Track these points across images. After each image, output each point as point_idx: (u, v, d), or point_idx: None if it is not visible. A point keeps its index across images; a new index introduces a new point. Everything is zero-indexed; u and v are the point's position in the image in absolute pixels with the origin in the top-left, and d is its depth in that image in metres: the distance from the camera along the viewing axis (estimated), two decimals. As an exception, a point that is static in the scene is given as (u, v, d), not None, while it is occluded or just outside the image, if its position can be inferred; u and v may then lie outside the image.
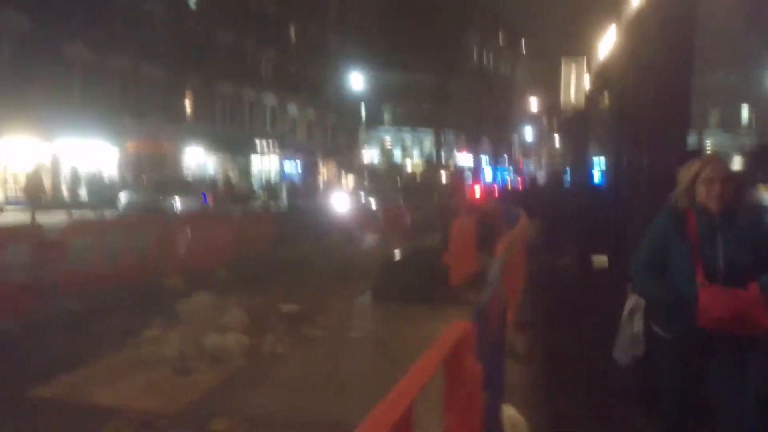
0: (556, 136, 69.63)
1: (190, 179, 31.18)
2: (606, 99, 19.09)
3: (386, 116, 66.63)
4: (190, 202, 25.16)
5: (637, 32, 9.29)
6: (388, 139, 66.93)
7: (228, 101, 38.64)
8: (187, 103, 35.31)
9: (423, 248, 12.86)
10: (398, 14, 65.21)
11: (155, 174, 28.63)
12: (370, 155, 64.74)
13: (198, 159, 36.21)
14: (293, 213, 19.20)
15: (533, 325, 7.08)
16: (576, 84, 18.78)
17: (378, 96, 62.85)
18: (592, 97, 19.14)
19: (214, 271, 10.24)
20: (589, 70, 19.33)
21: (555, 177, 19.56)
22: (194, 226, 11.60)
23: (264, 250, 13.22)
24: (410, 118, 65.74)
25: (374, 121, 65.03)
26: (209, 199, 26.87)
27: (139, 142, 30.55)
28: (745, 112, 54.17)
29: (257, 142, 41.34)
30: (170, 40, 32.83)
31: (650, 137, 6.63)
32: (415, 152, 67.82)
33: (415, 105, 64.69)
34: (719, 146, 49.34)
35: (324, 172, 51.28)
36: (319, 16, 47.49)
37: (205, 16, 35.43)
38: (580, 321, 7.01)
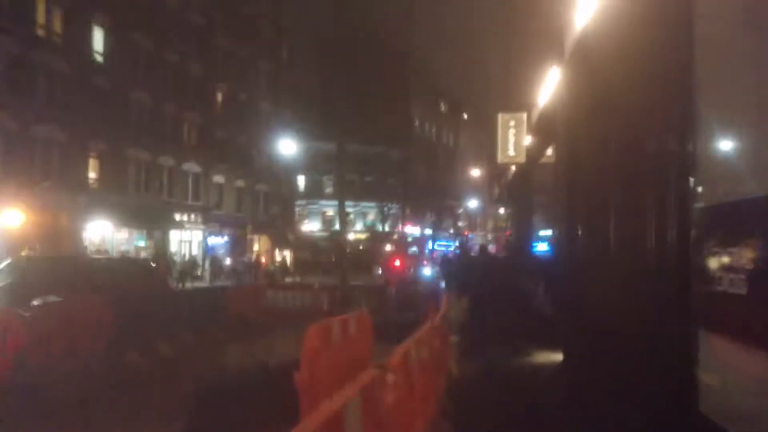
0: (501, 210, 68.15)
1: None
2: (552, 151, 16.12)
3: (327, 188, 63.69)
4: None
5: (582, 62, 7.76)
6: (329, 211, 63.77)
7: (143, 168, 34.73)
8: (91, 170, 31.25)
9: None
10: (335, 83, 63.41)
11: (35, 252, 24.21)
12: (310, 227, 61.33)
13: (103, 233, 31.85)
14: (176, 296, 15.14)
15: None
16: (516, 140, 16.03)
17: (317, 167, 60.05)
18: (534, 152, 16.35)
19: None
20: (529, 127, 16.66)
21: (483, 250, 18.26)
22: None
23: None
24: (352, 190, 62.91)
25: (314, 193, 61.99)
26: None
27: (26, 213, 26.16)
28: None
29: (177, 214, 37.27)
30: (70, 98, 29.07)
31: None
32: (358, 225, 64.78)
33: (357, 177, 62.06)
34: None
35: (256, 246, 47.27)
36: (248, 81, 44.64)
37: (114, 73, 31.93)
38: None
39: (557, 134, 12.66)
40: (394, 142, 62.25)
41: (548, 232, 32.77)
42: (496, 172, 35.56)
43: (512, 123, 15.65)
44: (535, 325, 13.37)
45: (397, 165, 62.57)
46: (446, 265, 17.98)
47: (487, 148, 63.91)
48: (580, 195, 9.41)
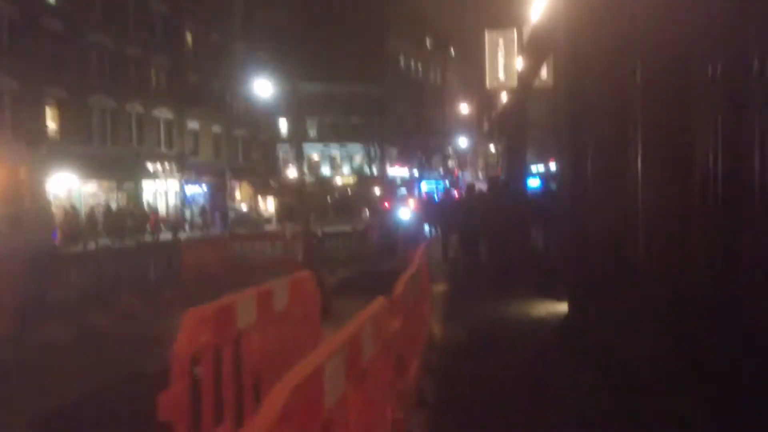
0: (491, 146, 65.98)
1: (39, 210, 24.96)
2: (547, 74, 14.26)
3: (311, 131, 61.44)
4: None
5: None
6: (314, 155, 61.72)
7: (108, 116, 32.48)
8: (50, 119, 29.04)
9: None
10: (314, 20, 60.34)
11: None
12: (293, 173, 59.42)
13: (69, 186, 29.88)
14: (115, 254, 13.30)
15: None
16: (505, 61, 14.04)
17: (300, 109, 57.59)
18: (526, 75, 14.45)
19: None
20: (520, 47, 14.65)
21: (469, 189, 16.69)
22: None
23: None
24: (337, 132, 60.78)
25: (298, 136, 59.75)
26: (58, 235, 20.84)
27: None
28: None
29: (149, 164, 35.22)
30: (18, 43, 26.64)
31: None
32: (345, 168, 62.87)
33: (342, 118, 59.78)
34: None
35: (237, 194, 45.42)
36: (220, 21, 41.82)
37: (69, 14, 29.34)
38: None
39: (557, 52, 10.77)
40: (378, 81, 59.70)
41: (540, 168, 31.11)
42: (485, 103, 33.46)
43: (501, 41, 13.70)
44: (531, 269, 11.81)
45: (383, 104, 60.20)
46: (428, 207, 16.35)
47: (475, 84, 61.31)
48: (588, 124, 7.67)
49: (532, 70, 13.98)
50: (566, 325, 8.17)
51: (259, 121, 47.20)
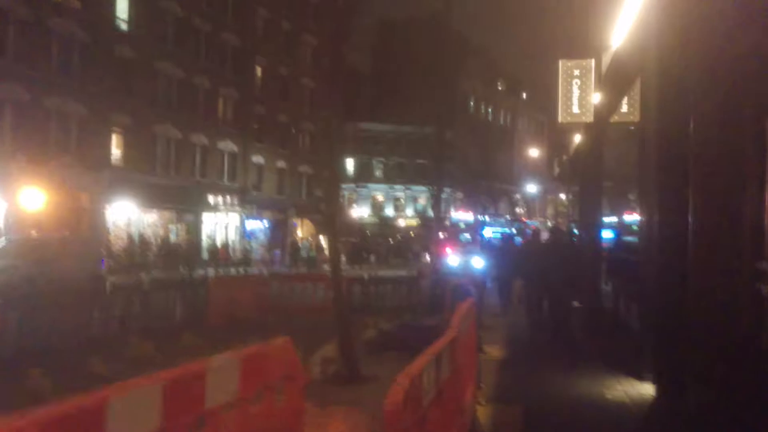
0: (561, 195, 63.55)
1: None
2: (628, 107, 12.71)
3: (377, 171, 60.88)
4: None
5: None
6: (379, 195, 60.99)
7: (172, 146, 32.50)
8: (115, 146, 29.13)
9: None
10: (386, 60, 60.24)
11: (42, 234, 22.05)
12: (359, 213, 58.64)
13: (129, 215, 29.77)
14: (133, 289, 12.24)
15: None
16: (581, 95, 12.53)
17: (366, 149, 57.27)
18: (605, 109, 12.87)
19: None
20: (598, 78, 13.13)
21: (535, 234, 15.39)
22: None
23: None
24: (403, 174, 59.88)
25: (363, 176, 59.24)
26: (106, 264, 20.30)
27: (43, 192, 24.15)
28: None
29: (210, 196, 34.98)
30: (89, 68, 26.91)
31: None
32: (409, 210, 61.70)
33: (408, 159, 58.90)
34: None
35: (299, 231, 44.82)
36: (291, 55, 41.89)
37: (140, 42, 29.67)
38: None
39: (646, 79, 9.21)
40: (447, 123, 58.61)
41: (612, 219, 28.95)
42: (556, 146, 31.70)
43: (576, 72, 12.24)
44: (605, 336, 10.05)
45: (451, 147, 58.99)
46: (487, 254, 14.80)
47: (546, 129, 59.53)
48: (688, 169, 6.08)
49: (612, 103, 12.41)
50: (654, 415, 6.47)
51: (326, 158, 46.72)
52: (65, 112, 26.22)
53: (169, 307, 11.12)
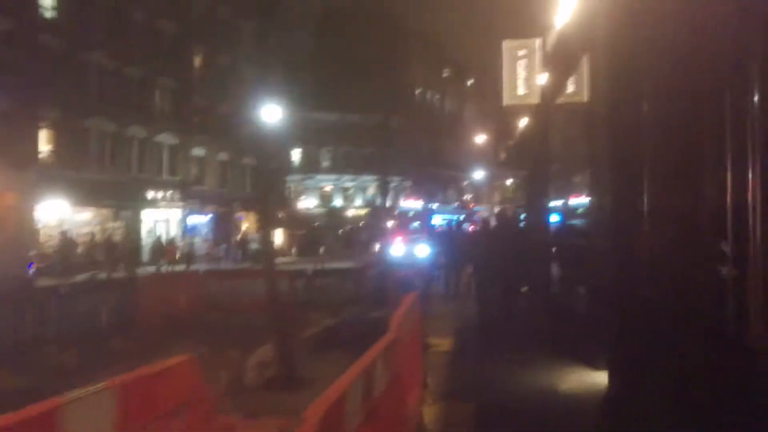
0: (508, 180, 63.91)
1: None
2: (576, 86, 12.49)
3: (324, 162, 60.07)
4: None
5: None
6: (327, 186, 60.22)
7: (107, 140, 31.04)
8: (43, 142, 27.60)
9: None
10: (330, 48, 59.30)
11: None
12: (306, 204, 57.73)
13: (60, 213, 28.30)
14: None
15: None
16: (527, 76, 12.18)
17: (313, 139, 56.34)
18: (551, 90, 12.59)
19: None
20: (544, 57, 12.82)
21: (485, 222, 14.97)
22: None
23: None
24: (351, 163, 59.20)
25: (310, 166, 58.33)
26: (33, 267, 19.08)
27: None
28: None
29: (150, 191, 33.64)
30: (14, 61, 25.34)
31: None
32: (358, 200, 61.13)
33: (356, 149, 58.27)
34: None
35: (245, 225, 43.72)
36: (229, 43, 40.59)
37: (67, 31, 28.10)
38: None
39: (594, 56, 8.87)
40: (394, 111, 58.17)
41: (558, 202, 29.02)
42: (502, 132, 31.61)
43: (521, 53, 11.88)
44: (555, 323, 9.76)
45: (398, 135, 58.57)
46: (436, 241, 14.42)
47: (492, 115, 59.65)
48: (643, 148, 5.74)
49: (558, 83, 12.09)
50: (608, 406, 6.13)
51: (269, 149, 45.66)
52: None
53: (97, 310, 10.32)
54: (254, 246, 39.02)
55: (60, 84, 27.62)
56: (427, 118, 62.88)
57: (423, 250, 15.94)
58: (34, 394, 6.76)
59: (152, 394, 2.63)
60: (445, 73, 68.15)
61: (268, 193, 7.73)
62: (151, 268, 28.28)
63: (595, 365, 7.22)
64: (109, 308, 10.28)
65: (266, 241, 7.45)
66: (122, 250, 29.33)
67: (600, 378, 6.87)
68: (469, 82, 71.64)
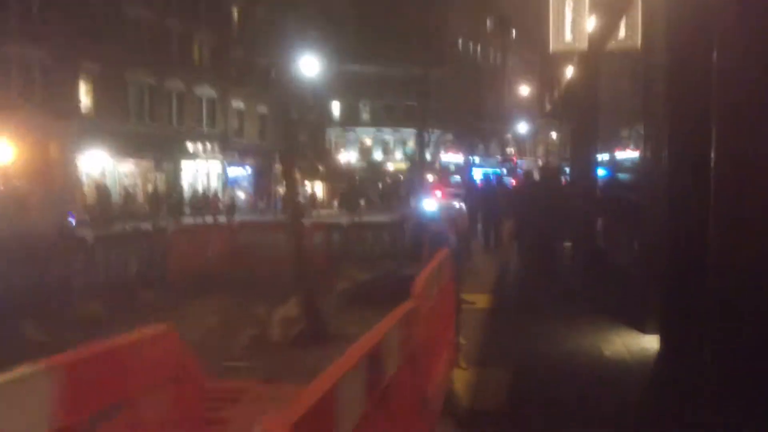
0: (552, 133, 62.13)
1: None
2: (628, 30, 11.62)
3: (364, 114, 59.36)
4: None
5: None
6: (367, 139, 59.64)
7: (146, 92, 31.02)
8: (83, 95, 27.68)
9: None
10: (370, 0, 57.87)
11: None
12: (347, 158, 57.29)
13: (103, 165, 28.55)
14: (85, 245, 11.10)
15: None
16: (574, 20, 11.26)
17: (353, 92, 55.57)
18: (600, 36, 11.71)
19: None
20: (592, 3, 11.88)
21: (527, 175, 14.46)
22: None
23: None
24: (391, 116, 58.28)
25: (350, 120, 57.71)
26: (76, 217, 19.26)
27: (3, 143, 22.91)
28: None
29: (189, 144, 33.68)
30: (53, 13, 25.24)
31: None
32: (398, 153, 60.40)
33: (396, 101, 57.24)
34: None
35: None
36: (267, -5, 39.76)
37: (105, -17, 27.86)
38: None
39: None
40: (435, 63, 56.76)
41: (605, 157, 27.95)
42: (547, 82, 30.40)
43: (569, -3, 10.94)
44: (600, 282, 9.21)
45: (439, 88, 57.27)
46: (472, 197, 13.87)
47: (537, 67, 57.85)
48: (706, 101, 5.08)
49: (608, 27, 11.22)
50: (659, 373, 5.65)
51: (310, 102, 45.26)
52: (27, 60, 24.68)
53: (128, 262, 10.19)
54: (300, 198, 38.91)
55: (99, 36, 27.49)
56: (470, 70, 61.29)
57: (460, 205, 15.44)
58: (48, 348, 6.62)
59: (118, 371, 2.25)
60: (489, 24, 66.06)
61: (292, 144, 7.32)
62: (193, 220, 28.41)
63: (642, 328, 6.72)
64: (139, 260, 10.13)
65: (290, 191, 7.05)
66: (164, 200, 29.53)
67: (649, 343, 6.38)
68: (513, 34, 69.33)
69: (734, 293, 4.60)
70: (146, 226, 15.46)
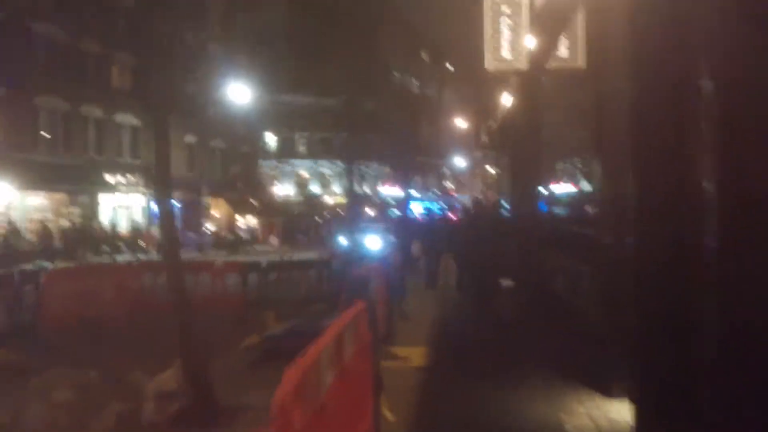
0: (488, 167, 62.14)
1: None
2: (572, 52, 10.83)
3: (300, 147, 58.02)
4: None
5: None
6: (304, 172, 58.19)
7: (59, 119, 28.72)
8: (-16, 122, 25.30)
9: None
10: (304, 31, 56.93)
11: None
12: (283, 191, 55.52)
13: (11, 199, 26.04)
14: None
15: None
16: (513, 37, 10.33)
17: (288, 123, 54.19)
18: (541, 53, 10.78)
19: None
20: (532, 18, 11.01)
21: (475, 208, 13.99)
22: None
23: None
24: (327, 149, 57.07)
25: (286, 152, 56.18)
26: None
27: None
28: None
29: (108, 176, 31.38)
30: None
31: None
32: (336, 187, 59.07)
33: (332, 133, 56.13)
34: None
35: (215, 212, 41.60)
36: (196, 20, 38.16)
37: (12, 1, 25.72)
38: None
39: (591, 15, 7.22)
40: (371, 95, 56.05)
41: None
42: (483, 113, 29.75)
43: (506, 10, 10.02)
44: (555, 329, 8.02)
45: (376, 120, 56.51)
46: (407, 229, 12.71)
47: (472, 100, 57.95)
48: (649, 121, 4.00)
49: (548, 46, 10.30)
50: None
51: (240, 132, 43.61)
52: None
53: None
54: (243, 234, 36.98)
55: (6, 58, 25.26)
56: (406, 102, 60.89)
57: (385, 243, 14.16)
58: None
59: None
60: (424, 57, 66.26)
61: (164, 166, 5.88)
62: (110, 258, 26.16)
63: (608, 392, 5.50)
64: (6, 308, 8.35)
65: (166, 225, 5.58)
66: (78, 237, 27.20)
67: (617, 410, 5.15)
68: (449, 67, 69.76)
69: (721, 351, 3.48)
70: (29, 266, 13.48)
